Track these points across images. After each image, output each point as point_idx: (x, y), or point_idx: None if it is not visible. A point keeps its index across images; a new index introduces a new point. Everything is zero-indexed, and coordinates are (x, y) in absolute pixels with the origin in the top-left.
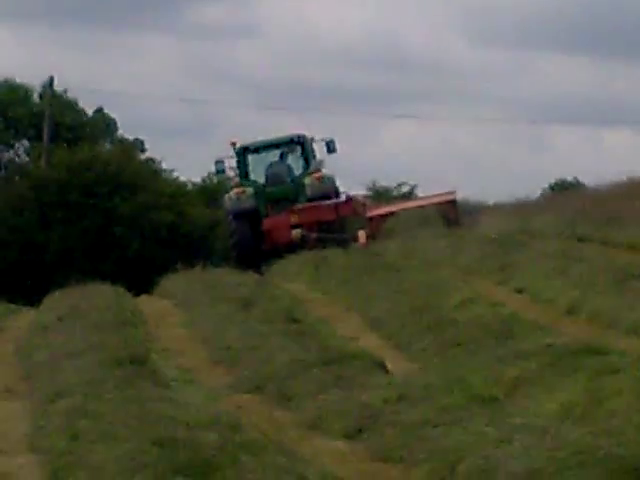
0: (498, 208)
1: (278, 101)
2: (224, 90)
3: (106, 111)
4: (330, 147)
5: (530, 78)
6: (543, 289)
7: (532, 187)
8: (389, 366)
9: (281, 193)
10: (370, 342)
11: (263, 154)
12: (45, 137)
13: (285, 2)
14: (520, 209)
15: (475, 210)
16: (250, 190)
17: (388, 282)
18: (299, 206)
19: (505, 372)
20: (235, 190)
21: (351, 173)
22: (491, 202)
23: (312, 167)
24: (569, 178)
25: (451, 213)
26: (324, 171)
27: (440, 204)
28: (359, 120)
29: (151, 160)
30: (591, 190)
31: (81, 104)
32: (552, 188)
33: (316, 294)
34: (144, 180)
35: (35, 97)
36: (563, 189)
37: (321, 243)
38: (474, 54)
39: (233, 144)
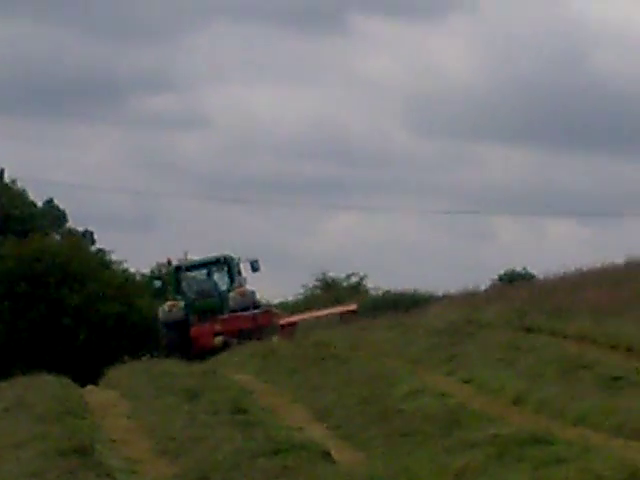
0: (447, 299)
1: (225, 192)
2: (171, 181)
3: (56, 202)
4: (254, 266)
5: (472, 168)
6: (490, 379)
7: (481, 278)
8: (335, 456)
9: (208, 305)
10: (316, 432)
11: (194, 272)
12: None
13: (232, 94)
14: (469, 300)
15: (424, 301)
16: (181, 304)
17: (335, 373)
18: (222, 316)
19: (451, 462)
20: (168, 303)
21: (299, 265)
22: (440, 293)
23: (236, 283)
24: (518, 269)
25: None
26: (247, 287)
27: (343, 313)
28: (306, 211)
29: (101, 251)
30: (540, 281)
31: (31, 195)
32: (501, 279)
33: (263, 385)
34: (92, 271)
35: None
36: (512, 280)
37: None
38: (417, 145)
39: (169, 262)
